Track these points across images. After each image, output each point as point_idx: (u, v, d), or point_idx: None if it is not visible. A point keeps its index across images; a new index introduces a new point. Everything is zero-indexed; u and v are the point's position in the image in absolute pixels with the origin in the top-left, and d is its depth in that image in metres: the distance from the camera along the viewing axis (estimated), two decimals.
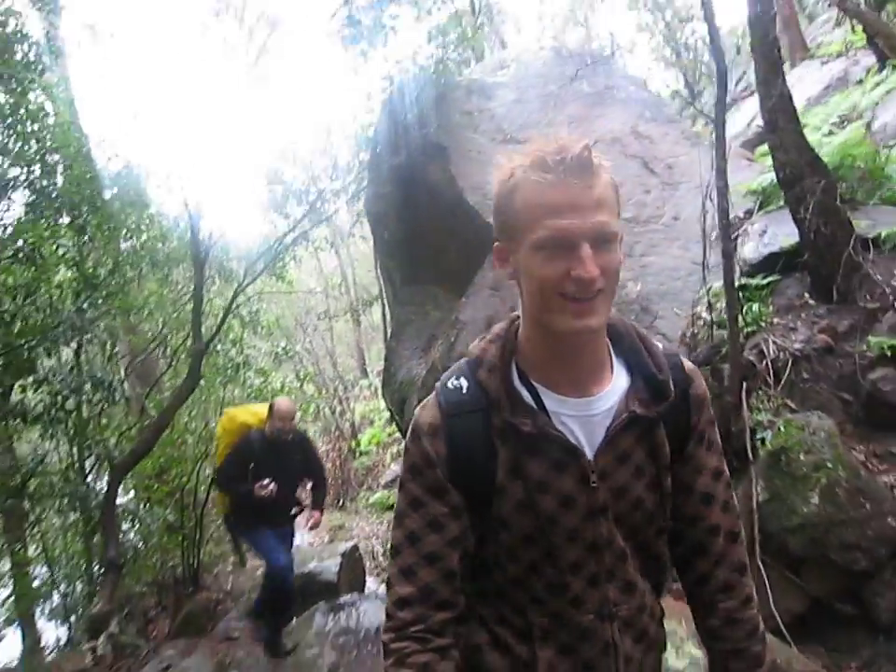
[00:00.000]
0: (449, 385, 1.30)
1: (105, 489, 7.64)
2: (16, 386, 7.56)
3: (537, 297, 1.17)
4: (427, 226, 7.62)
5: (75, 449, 8.68)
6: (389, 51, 7.99)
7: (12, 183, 6.60)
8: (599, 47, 21.68)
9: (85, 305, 7.34)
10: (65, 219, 7.13)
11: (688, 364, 1.39)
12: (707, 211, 4.84)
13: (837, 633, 3.68)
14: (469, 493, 1.25)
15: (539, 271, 1.14)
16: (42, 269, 6.83)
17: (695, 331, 5.55)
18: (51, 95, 8.15)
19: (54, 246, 7.32)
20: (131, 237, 8.83)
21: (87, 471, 8.63)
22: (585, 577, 1.28)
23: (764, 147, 6.63)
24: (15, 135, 6.46)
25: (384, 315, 14.39)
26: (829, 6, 14.58)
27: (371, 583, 8.17)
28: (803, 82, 11.95)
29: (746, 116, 13.08)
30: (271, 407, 4.98)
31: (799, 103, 9.75)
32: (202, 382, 8.33)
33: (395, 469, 13.14)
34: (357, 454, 15.03)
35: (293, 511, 5.31)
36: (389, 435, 14.55)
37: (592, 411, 1.25)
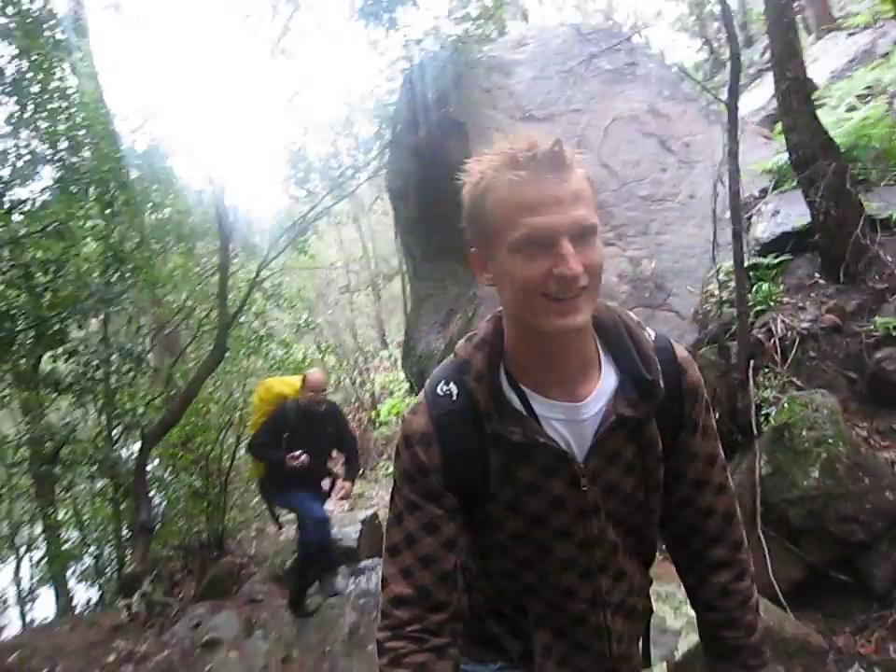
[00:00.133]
0: (438, 390, 1.28)
1: (136, 456, 7.88)
2: (47, 357, 7.82)
3: (519, 299, 1.13)
4: (447, 203, 7.59)
5: (103, 417, 8.92)
6: (409, 28, 8.03)
7: (41, 159, 6.76)
8: (622, 17, 21.47)
9: (113, 278, 7.54)
10: (92, 194, 7.28)
11: (680, 352, 1.35)
12: (718, 194, 4.92)
13: (834, 600, 3.86)
14: (464, 496, 1.25)
15: (520, 272, 1.10)
16: (71, 242, 7.01)
17: (708, 309, 5.67)
18: (78, 73, 8.32)
19: (82, 221, 7.52)
20: (156, 211, 9.04)
21: (115, 439, 8.88)
22: (577, 572, 1.30)
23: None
24: (45, 113, 6.61)
25: (403, 286, 14.52)
26: None
27: None
28: (827, 55, 11.76)
29: (768, 89, 12.93)
30: (304, 378, 5.17)
31: (823, 76, 9.75)
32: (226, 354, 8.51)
33: None
34: (377, 424, 15.21)
35: (324, 483, 5.45)
36: (409, 405, 14.69)
37: (581, 416, 1.23)
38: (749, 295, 5.05)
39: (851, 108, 6.78)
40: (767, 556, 3.83)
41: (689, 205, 6.75)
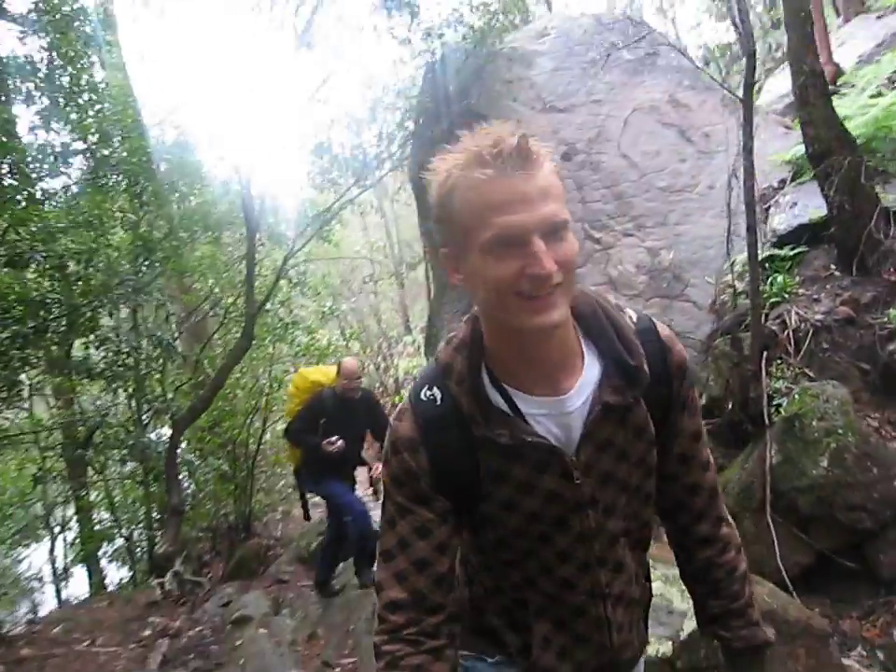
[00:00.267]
0: (422, 395, 1.27)
1: (166, 441, 8.11)
2: (79, 344, 8.05)
3: (492, 299, 1.11)
4: None
5: (134, 402, 9.17)
6: (431, 20, 8.11)
7: (72, 152, 6.93)
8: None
9: (142, 267, 7.74)
10: (122, 185, 7.45)
11: (663, 331, 1.32)
12: (733, 189, 4.99)
13: (841, 585, 3.97)
14: (455, 498, 1.25)
15: (492, 272, 1.07)
16: (101, 233, 7.20)
17: (725, 300, 5.74)
18: (106, 66, 8.50)
19: (112, 211, 7.72)
20: (184, 202, 9.22)
21: (145, 424, 9.13)
22: (575, 564, 1.29)
23: None
24: (76, 106, 6.77)
25: (426, 273, 14.65)
26: None
27: None
28: (855, 38, 11.54)
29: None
30: (339, 366, 5.32)
31: (850, 60, 9.63)
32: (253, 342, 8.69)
33: None
34: None
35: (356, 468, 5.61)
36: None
37: (567, 409, 1.22)
38: (765, 286, 5.11)
39: (877, 94, 6.70)
40: (776, 542, 3.94)
41: (708, 196, 6.79)
